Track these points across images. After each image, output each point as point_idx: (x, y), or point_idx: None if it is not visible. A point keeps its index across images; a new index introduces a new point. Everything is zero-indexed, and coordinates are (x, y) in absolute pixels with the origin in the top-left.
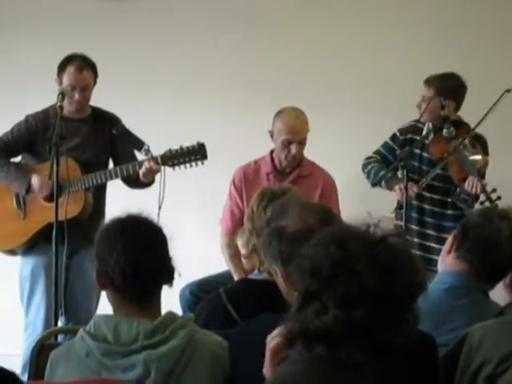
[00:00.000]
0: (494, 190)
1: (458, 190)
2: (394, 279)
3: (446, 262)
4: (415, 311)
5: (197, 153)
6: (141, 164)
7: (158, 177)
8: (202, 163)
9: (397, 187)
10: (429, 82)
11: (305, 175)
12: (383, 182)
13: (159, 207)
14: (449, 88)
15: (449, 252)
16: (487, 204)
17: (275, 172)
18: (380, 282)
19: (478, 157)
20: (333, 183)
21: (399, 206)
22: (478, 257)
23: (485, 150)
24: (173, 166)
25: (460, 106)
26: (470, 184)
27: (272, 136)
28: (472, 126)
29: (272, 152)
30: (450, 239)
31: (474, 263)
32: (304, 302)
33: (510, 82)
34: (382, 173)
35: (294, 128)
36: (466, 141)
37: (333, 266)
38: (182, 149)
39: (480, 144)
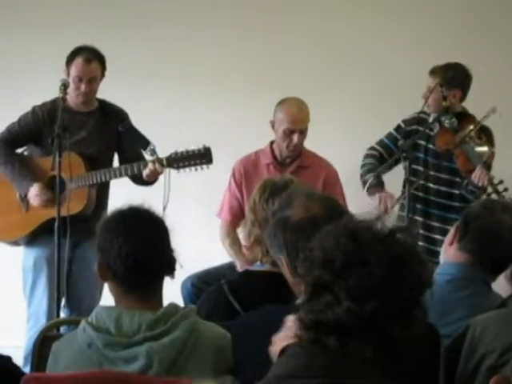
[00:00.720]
0: (501, 182)
1: (466, 181)
2: (404, 271)
3: (449, 253)
4: (423, 306)
5: (202, 157)
6: (146, 164)
7: (162, 176)
8: (208, 167)
9: (377, 196)
10: (434, 72)
11: (305, 166)
12: (366, 186)
13: (164, 208)
14: (454, 78)
15: (451, 243)
16: (494, 196)
17: (275, 163)
18: (391, 273)
19: (485, 148)
20: (335, 174)
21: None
22: (480, 247)
23: (491, 142)
24: (177, 168)
25: (465, 96)
26: (477, 176)
27: (273, 126)
28: (477, 118)
29: (272, 143)
30: (452, 230)
31: (477, 254)
32: (314, 293)
33: None
34: (368, 175)
35: (296, 117)
36: (473, 132)
37: (345, 257)
38: (187, 152)
39: (486, 136)
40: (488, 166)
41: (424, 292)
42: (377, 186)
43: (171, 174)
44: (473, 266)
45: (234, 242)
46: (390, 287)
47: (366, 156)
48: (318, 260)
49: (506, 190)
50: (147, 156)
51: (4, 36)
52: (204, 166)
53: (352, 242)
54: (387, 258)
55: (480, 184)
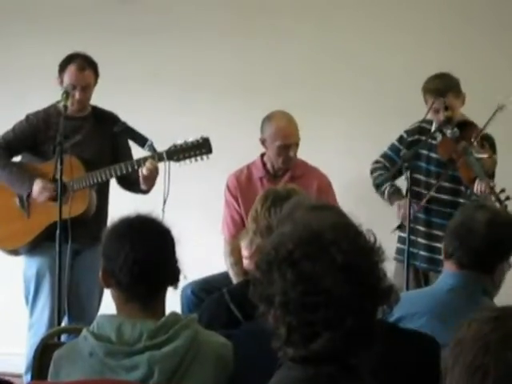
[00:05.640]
0: (503, 191)
1: (469, 191)
2: (357, 274)
3: (446, 264)
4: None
5: (201, 147)
6: (144, 160)
7: (161, 174)
8: (207, 157)
9: (396, 204)
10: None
11: (297, 176)
12: (385, 195)
13: (164, 201)
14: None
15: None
16: (497, 205)
17: (268, 176)
18: (350, 283)
19: (486, 156)
20: (328, 182)
21: (399, 226)
22: (458, 247)
23: (493, 149)
24: (178, 160)
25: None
26: (478, 186)
27: (263, 143)
28: (478, 125)
29: (263, 156)
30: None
31: (457, 255)
32: (290, 334)
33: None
34: (385, 185)
35: (289, 132)
36: (475, 141)
37: (303, 296)
38: (186, 143)
39: (488, 143)
40: (491, 174)
41: (379, 267)
42: (394, 194)
43: (172, 174)
44: (465, 272)
45: (236, 263)
46: (359, 296)
47: (374, 169)
48: (278, 304)
49: (507, 198)
50: (146, 153)
51: (5, 43)
52: (204, 157)
53: (299, 277)
54: (340, 274)
55: (482, 194)
